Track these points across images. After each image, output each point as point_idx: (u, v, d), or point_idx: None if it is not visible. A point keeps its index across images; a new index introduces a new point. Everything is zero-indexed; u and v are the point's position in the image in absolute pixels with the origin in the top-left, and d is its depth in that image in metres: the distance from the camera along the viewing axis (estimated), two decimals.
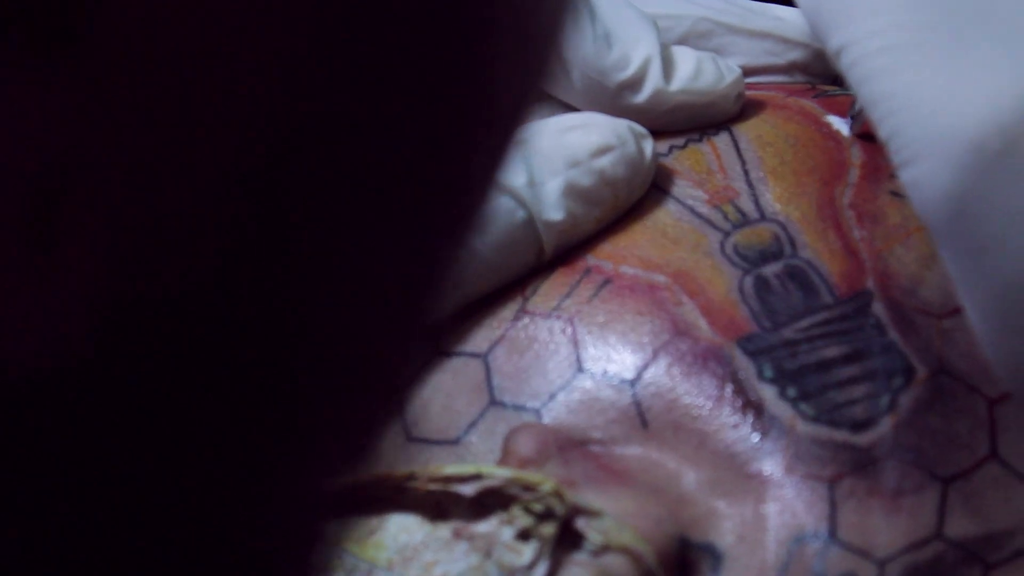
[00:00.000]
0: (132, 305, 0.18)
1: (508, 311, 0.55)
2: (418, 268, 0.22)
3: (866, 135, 0.58)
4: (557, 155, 0.55)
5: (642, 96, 0.58)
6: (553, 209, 0.54)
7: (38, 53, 0.16)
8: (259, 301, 0.19)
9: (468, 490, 0.49)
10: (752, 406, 0.50)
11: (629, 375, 0.52)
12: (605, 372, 0.52)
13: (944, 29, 0.43)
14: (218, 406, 0.19)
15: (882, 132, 0.44)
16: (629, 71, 0.58)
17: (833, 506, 0.49)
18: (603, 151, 0.55)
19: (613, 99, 0.58)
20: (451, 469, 0.49)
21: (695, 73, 0.59)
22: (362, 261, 0.20)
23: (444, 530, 0.49)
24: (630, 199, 0.56)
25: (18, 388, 0.17)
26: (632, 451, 0.51)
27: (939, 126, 0.42)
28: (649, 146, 0.56)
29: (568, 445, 0.50)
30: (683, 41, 0.63)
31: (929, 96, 0.43)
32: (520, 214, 0.54)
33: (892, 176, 0.56)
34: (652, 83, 0.58)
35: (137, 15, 0.16)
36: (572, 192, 0.54)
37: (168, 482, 0.19)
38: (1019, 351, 0.43)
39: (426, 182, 0.21)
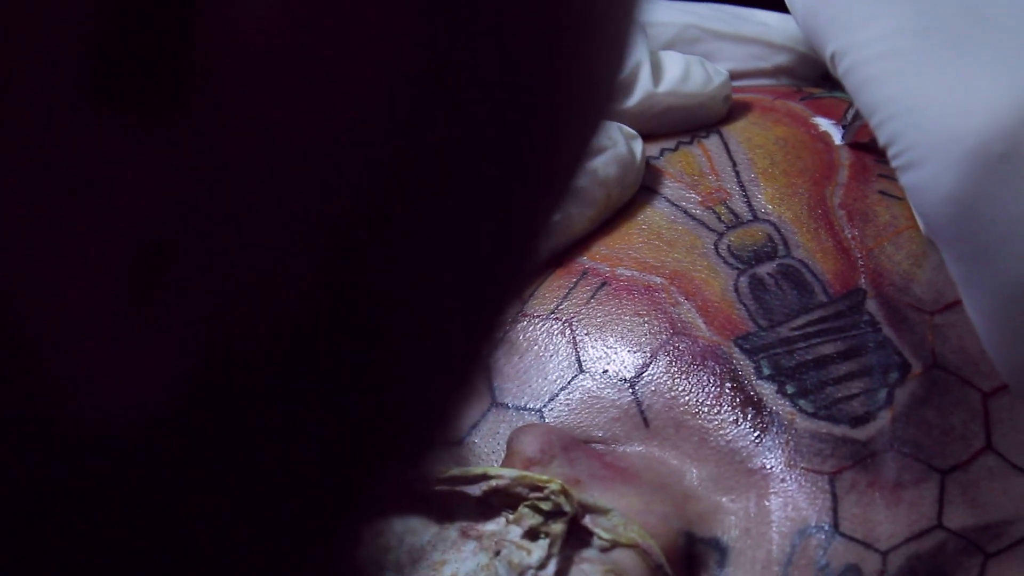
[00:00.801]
0: (223, 360, 0.18)
1: None
2: (478, 316, 0.22)
3: (857, 144, 0.58)
4: None
5: (633, 100, 0.59)
6: None
7: (146, 117, 0.16)
8: (338, 353, 0.20)
9: (475, 490, 0.49)
10: (751, 403, 0.51)
11: (629, 374, 0.52)
12: (605, 372, 0.53)
13: (943, 35, 0.44)
14: (287, 448, 0.20)
15: (882, 137, 0.45)
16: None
17: (835, 499, 0.49)
18: (595, 152, 0.56)
19: None
20: (457, 470, 0.50)
21: (683, 76, 0.60)
22: (432, 311, 0.21)
23: (451, 530, 0.49)
24: (622, 198, 0.57)
25: (112, 439, 0.18)
26: (634, 449, 0.51)
27: (941, 131, 0.43)
28: (639, 147, 0.57)
29: (572, 444, 0.51)
30: (671, 47, 0.63)
31: (930, 101, 0.43)
32: None
33: (881, 176, 0.57)
34: (642, 87, 0.59)
35: (241, 86, 0.17)
36: None
37: (251, 527, 0.20)
38: (1022, 352, 0.44)
39: (488, 240, 0.21)
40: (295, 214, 0.18)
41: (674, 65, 0.60)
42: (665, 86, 0.60)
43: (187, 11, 0.16)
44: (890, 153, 0.45)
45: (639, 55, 0.59)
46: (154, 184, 0.17)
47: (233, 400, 0.19)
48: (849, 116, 0.58)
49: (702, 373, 0.52)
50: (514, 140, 0.21)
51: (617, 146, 0.56)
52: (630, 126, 0.58)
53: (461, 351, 0.22)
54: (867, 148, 0.58)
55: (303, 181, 0.18)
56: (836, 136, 0.60)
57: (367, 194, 0.19)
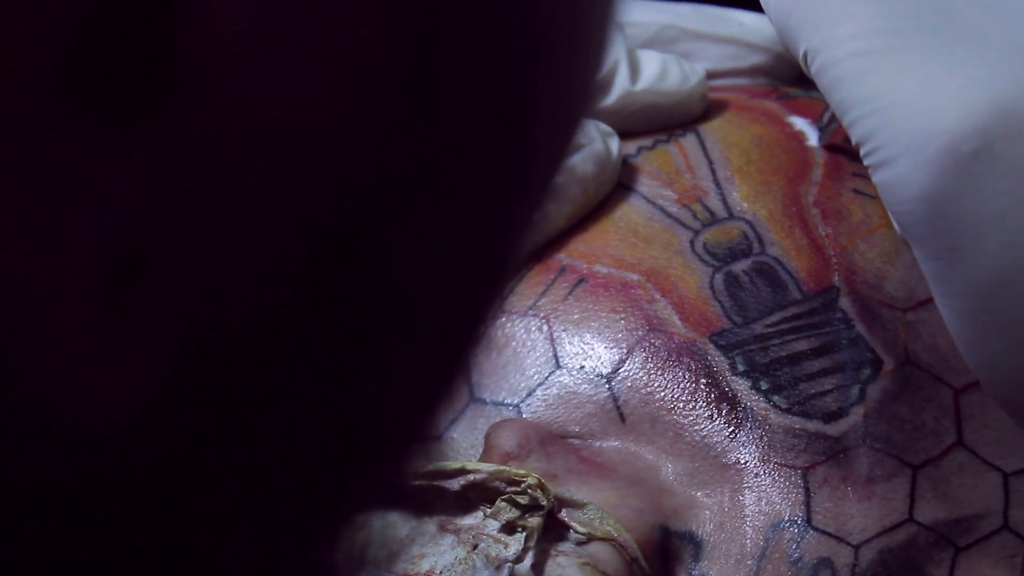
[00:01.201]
0: (205, 358, 0.19)
1: None
2: (460, 321, 0.23)
3: (834, 147, 0.59)
4: None
5: (611, 98, 0.60)
6: None
7: (121, 122, 0.17)
8: (316, 352, 0.20)
9: (453, 485, 0.50)
10: (726, 399, 0.52)
11: (605, 370, 0.53)
12: (582, 368, 0.53)
13: (915, 33, 0.44)
14: (279, 448, 0.20)
15: (855, 135, 0.45)
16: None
17: (807, 493, 0.50)
18: (572, 150, 0.57)
19: None
20: (436, 465, 0.50)
21: (660, 74, 0.60)
22: (409, 316, 0.21)
23: (430, 524, 0.50)
24: (599, 195, 0.58)
25: (90, 440, 0.18)
26: (611, 444, 0.52)
27: (913, 129, 0.43)
28: (615, 144, 0.58)
29: (549, 439, 0.51)
30: (649, 46, 0.64)
31: (902, 99, 0.43)
32: None
33: (855, 174, 0.58)
34: (620, 85, 0.60)
35: (218, 90, 0.17)
36: None
37: (240, 523, 0.20)
38: (993, 350, 0.44)
39: (469, 242, 0.22)
40: (273, 217, 0.18)
41: (651, 63, 0.61)
42: (642, 84, 0.60)
43: (164, 16, 0.16)
44: (863, 151, 0.45)
45: (617, 53, 0.60)
46: (131, 188, 0.17)
47: (217, 398, 0.19)
48: (825, 118, 0.58)
49: (677, 369, 0.52)
50: (494, 142, 0.21)
51: (594, 143, 0.57)
52: (608, 124, 0.59)
53: (444, 349, 0.23)
54: (841, 148, 0.58)
55: (280, 185, 0.18)
56: (811, 135, 0.60)
57: (346, 197, 0.19)
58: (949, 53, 0.44)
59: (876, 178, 0.45)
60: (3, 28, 0.16)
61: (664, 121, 0.61)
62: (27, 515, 0.18)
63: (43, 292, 0.17)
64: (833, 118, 0.57)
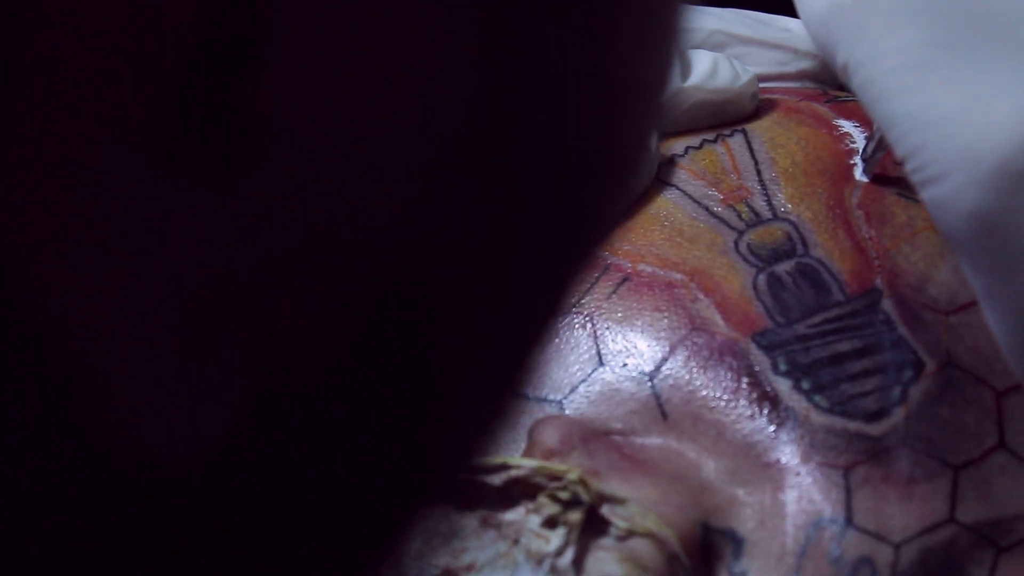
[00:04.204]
0: (277, 402, 0.19)
1: None
2: (518, 353, 0.23)
3: (880, 177, 0.58)
4: None
5: None
6: None
7: (205, 174, 0.17)
8: (382, 400, 0.20)
9: (495, 480, 0.50)
10: (768, 398, 0.52)
11: (648, 368, 0.53)
12: (625, 365, 0.54)
13: (960, 47, 0.44)
14: (344, 483, 0.21)
15: (900, 150, 0.45)
16: None
17: (848, 492, 0.50)
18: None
19: None
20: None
21: (711, 72, 0.61)
22: (473, 356, 0.22)
23: (472, 519, 0.50)
24: (637, 188, 0.58)
25: (164, 483, 0.18)
26: (653, 441, 0.52)
27: (963, 145, 0.43)
28: (652, 137, 0.58)
29: (591, 436, 0.51)
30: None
31: (950, 115, 0.43)
32: None
33: (899, 177, 0.58)
34: (671, 83, 0.60)
35: (296, 145, 0.18)
36: None
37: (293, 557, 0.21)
38: None
39: (532, 276, 0.22)
40: (346, 265, 0.19)
41: (702, 62, 0.61)
42: (693, 81, 0.61)
43: (248, 71, 0.17)
44: (908, 167, 0.45)
45: None
46: (210, 237, 0.17)
47: (288, 441, 0.19)
48: (870, 149, 0.58)
49: (720, 368, 0.53)
50: (557, 190, 0.21)
51: None
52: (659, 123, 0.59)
53: (501, 380, 0.23)
54: (886, 177, 0.58)
55: (353, 235, 0.19)
56: (858, 138, 0.60)
57: (415, 246, 0.19)
58: (997, 67, 0.44)
59: (924, 195, 0.44)
60: (109, 74, 0.16)
61: (715, 119, 0.62)
62: (97, 557, 0.19)
63: (122, 338, 0.17)
64: (878, 147, 0.57)
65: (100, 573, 0.19)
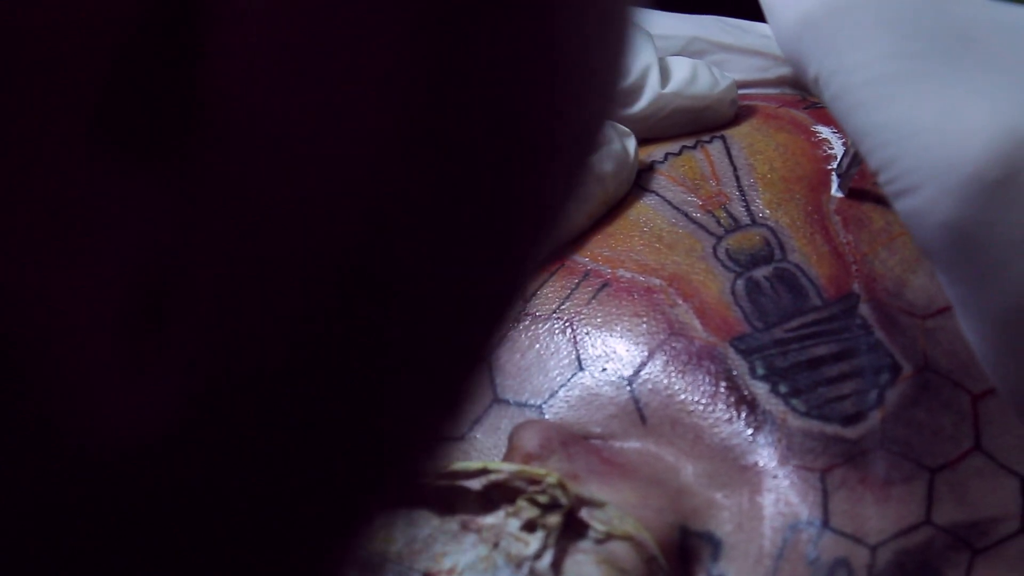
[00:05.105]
0: (223, 390, 0.19)
1: None
2: (488, 326, 0.23)
3: (856, 191, 0.59)
4: None
5: (642, 103, 0.61)
6: None
7: (148, 158, 0.17)
8: (340, 385, 0.20)
9: (475, 484, 0.50)
10: (745, 402, 0.52)
11: (627, 372, 0.54)
12: (604, 370, 0.54)
13: (932, 59, 0.44)
14: (297, 473, 0.20)
15: (873, 162, 0.45)
16: (628, 80, 0.60)
17: (825, 495, 0.51)
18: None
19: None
20: (458, 465, 0.51)
21: (691, 78, 0.61)
22: (432, 335, 0.22)
23: (452, 523, 0.50)
24: (617, 194, 0.59)
25: (121, 467, 0.18)
26: (632, 445, 0.52)
27: (937, 156, 0.43)
28: (632, 144, 0.59)
29: (570, 440, 0.52)
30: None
31: (924, 126, 0.43)
32: None
33: (876, 183, 0.58)
34: (651, 90, 0.61)
35: (242, 126, 0.18)
36: None
37: (263, 538, 0.21)
38: (1020, 373, 0.44)
39: (499, 220, 0.22)
40: (298, 251, 0.19)
41: (682, 68, 0.62)
42: (673, 87, 0.61)
43: (189, 55, 0.17)
44: (882, 179, 0.45)
45: (648, 59, 0.61)
46: (158, 220, 0.17)
47: (239, 427, 0.19)
48: (844, 164, 0.58)
49: (698, 372, 0.53)
50: (508, 170, 0.21)
51: (611, 143, 0.58)
52: (639, 128, 0.60)
53: (458, 368, 0.23)
54: (863, 192, 0.58)
55: (304, 219, 0.19)
56: (836, 144, 0.61)
57: (367, 230, 0.19)
58: (969, 78, 0.44)
59: (899, 206, 0.44)
60: (49, 60, 0.16)
61: (694, 125, 0.62)
62: (39, 536, 0.19)
63: (70, 320, 0.17)
64: (853, 162, 0.57)
65: (58, 555, 0.19)
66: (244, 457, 0.20)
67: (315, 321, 0.19)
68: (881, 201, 0.58)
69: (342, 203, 0.19)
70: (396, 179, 0.19)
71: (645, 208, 0.59)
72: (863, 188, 0.58)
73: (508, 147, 0.21)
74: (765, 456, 0.51)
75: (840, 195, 0.58)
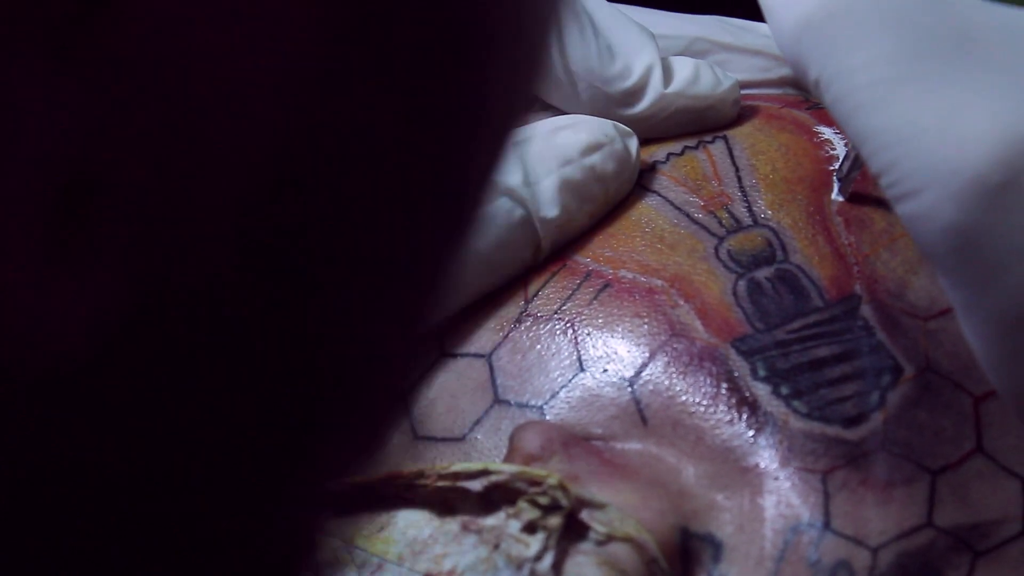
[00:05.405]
0: (150, 301, 0.18)
1: (511, 314, 0.57)
2: (420, 270, 0.22)
3: (857, 195, 0.58)
4: (550, 154, 0.57)
5: (645, 103, 0.61)
6: (549, 206, 0.56)
7: (53, 53, 0.17)
8: (272, 301, 0.20)
9: (475, 486, 0.50)
10: (747, 403, 0.52)
11: (628, 373, 0.54)
12: (605, 371, 0.54)
13: (933, 61, 0.44)
14: (226, 405, 0.20)
15: (874, 166, 0.45)
16: (632, 80, 0.60)
17: (827, 497, 0.50)
18: (593, 148, 0.58)
19: (617, 107, 0.61)
20: (459, 466, 0.51)
21: (693, 78, 0.61)
22: (367, 263, 0.21)
23: (452, 524, 0.50)
24: (619, 194, 0.59)
25: (36, 383, 0.18)
26: (633, 446, 0.52)
27: (938, 160, 0.42)
28: (634, 143, 0.59)
29: (571, 441, 0.52)
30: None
31: (925, 130, 0.43)
32: (518, 212, 0.56)
33: (878, 184, 0.58)
34: (654, 90, 0.61)
35: (156, 18, 0.17)
36: (566, 188, 0.56)
37: (175, 480, 0.20)
38: (1022, 377, 0.44)
39: (424, 184, 0.21)
40: (219, 150, 0.18)
41: (684, 68, 0.62)
42: (675, 87, 0.61)
43: None
44: (883, 182, 0.45)
45: (651, 59, 0.61)
46: (69, 116, 0.17)
47: (172, 344, 0.19)
48: (845, 168, 0.58)
49: (699, 374, 0.53)
50: (438, 80, 0.21)
51: (614, 143, 0.58)
52: (642, 128, 0.60)
53: (398, 303, 0.22)
54: (865, 197, 0.58)
55: (225, 116, 0.18)
56: (838, 145, 0.61)
57: (293, 131, 0.19)
58: (970, 81, 0.43)
59: (900, 209, 0.44)
60: None
61: (696, 125, 0.62)
62: None
63: None
64: (853, 166, 0.57)
65: None
66: (178, 374, 0.19)
67: (250, 232, 0.19)
68: (882, 203, 0.58)
69: (269, 104, 0.18)
70: (320, 88, 0.19)
71: (647, 208, 0.59)
72: (865, 192, 0.58)
73: (424, 112, 0.21)
74: (766, 458, 0.51)
75: (841, 199, 0.58)
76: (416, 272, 0.23)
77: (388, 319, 0.22)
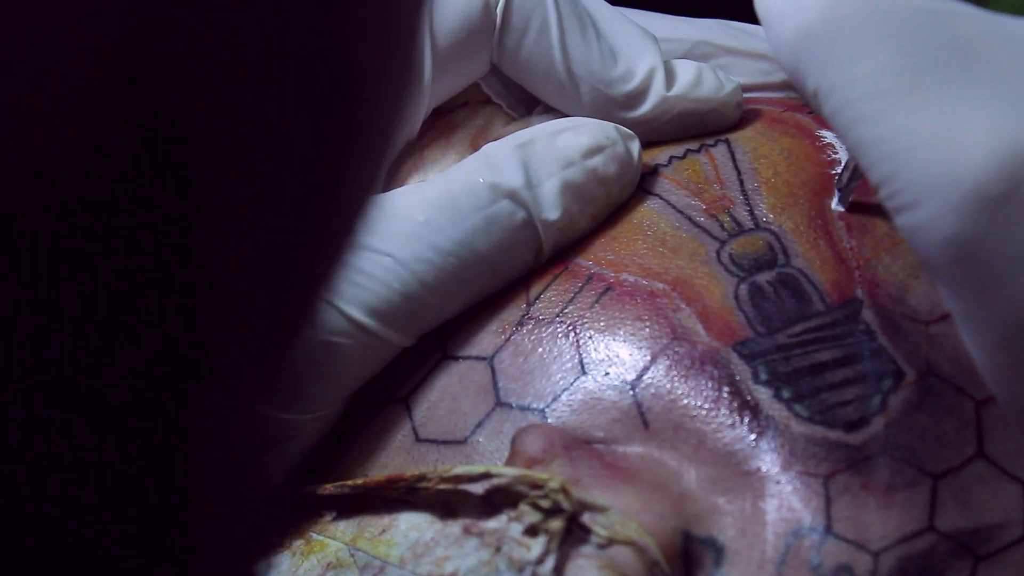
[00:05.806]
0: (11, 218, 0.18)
1: (513, 317, 0.57)
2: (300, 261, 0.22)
3: (857, 205, 0.58)
4: (551, 157, 0.57)
5: (647, 105, 0.61)
6: (551, 208, 0.56)
7: None
8: (139, 228, 0.19)
9: (477, 489, 0.50)
10: (748, 407, 0.52)
11: (630, 377, 0.54)
12: (607, 374, 0.54)
13: (932, 72, 0.44)
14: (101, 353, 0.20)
15: (873, 177, 0.44)
16: (634, 82, 0.60)
17: (828, 501, 0.51)
18: (595, 151, 0.58)
19: (620, 110, 0.61)
20: (460, 469, 0.51)
21: (696, 81, 0.61)
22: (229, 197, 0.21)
23: (454, 527, 0.50)
24: (621, 196, 0.59)
25: None
26: (634, 450, 0.52)
27: (938, 171, 0.42)
28: (636, 146, 0.59)
29: (573, 444, 0.52)
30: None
31: (924, 140, 0.43)
32: (520, 215, 0.56)
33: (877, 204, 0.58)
34: (656, 93, 0.61)
35: None
36: (568, 191, 0.57)
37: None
38: (1023, 389, 0.44)
39: (298, 184, 0.21)
40: (67, 55, 0.18)
41: (687, 71, 0.62)
42: (678, 90, 0.61)
43: None
44: (882, 193, 0.45)
45: (653, 62, 0.61)
46: None
47: (30, 266, 0.18)
48: (844, 178, 0.58)
49: (701, 377, 0.53)
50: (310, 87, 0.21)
51: (615, 145, 0.58)
52: (644, 131, 0.60)
53: (275, 257, 0.22)
54: (865, 205, 0.58)
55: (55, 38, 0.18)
56: (840, 148, 0.61)
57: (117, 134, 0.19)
58: (969, 92, 0.43)
59: (899, 221, 0.44)
60: None
61: (698, 129, 0.62)
62: None
63: None
64: (853, 176, 0.57)
65: None
66: (33, 310, 0.19)
67: (104, 148, 0.19)
68: (883, 211, 0.58)
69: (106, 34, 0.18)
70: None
71: (649, 211, 0.59)
72: (866, 201, 0.58)
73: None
74: (768, 461, 0.51)
75: (841, 209, 0.58)
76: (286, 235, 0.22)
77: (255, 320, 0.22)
